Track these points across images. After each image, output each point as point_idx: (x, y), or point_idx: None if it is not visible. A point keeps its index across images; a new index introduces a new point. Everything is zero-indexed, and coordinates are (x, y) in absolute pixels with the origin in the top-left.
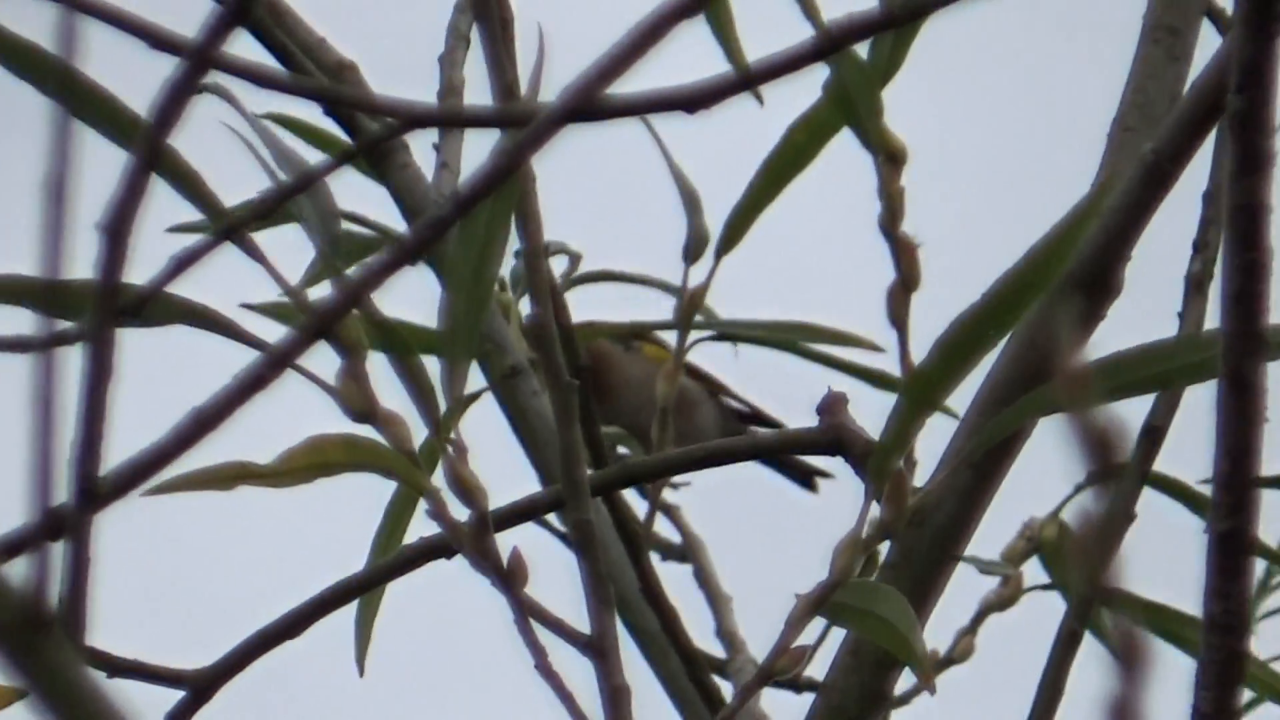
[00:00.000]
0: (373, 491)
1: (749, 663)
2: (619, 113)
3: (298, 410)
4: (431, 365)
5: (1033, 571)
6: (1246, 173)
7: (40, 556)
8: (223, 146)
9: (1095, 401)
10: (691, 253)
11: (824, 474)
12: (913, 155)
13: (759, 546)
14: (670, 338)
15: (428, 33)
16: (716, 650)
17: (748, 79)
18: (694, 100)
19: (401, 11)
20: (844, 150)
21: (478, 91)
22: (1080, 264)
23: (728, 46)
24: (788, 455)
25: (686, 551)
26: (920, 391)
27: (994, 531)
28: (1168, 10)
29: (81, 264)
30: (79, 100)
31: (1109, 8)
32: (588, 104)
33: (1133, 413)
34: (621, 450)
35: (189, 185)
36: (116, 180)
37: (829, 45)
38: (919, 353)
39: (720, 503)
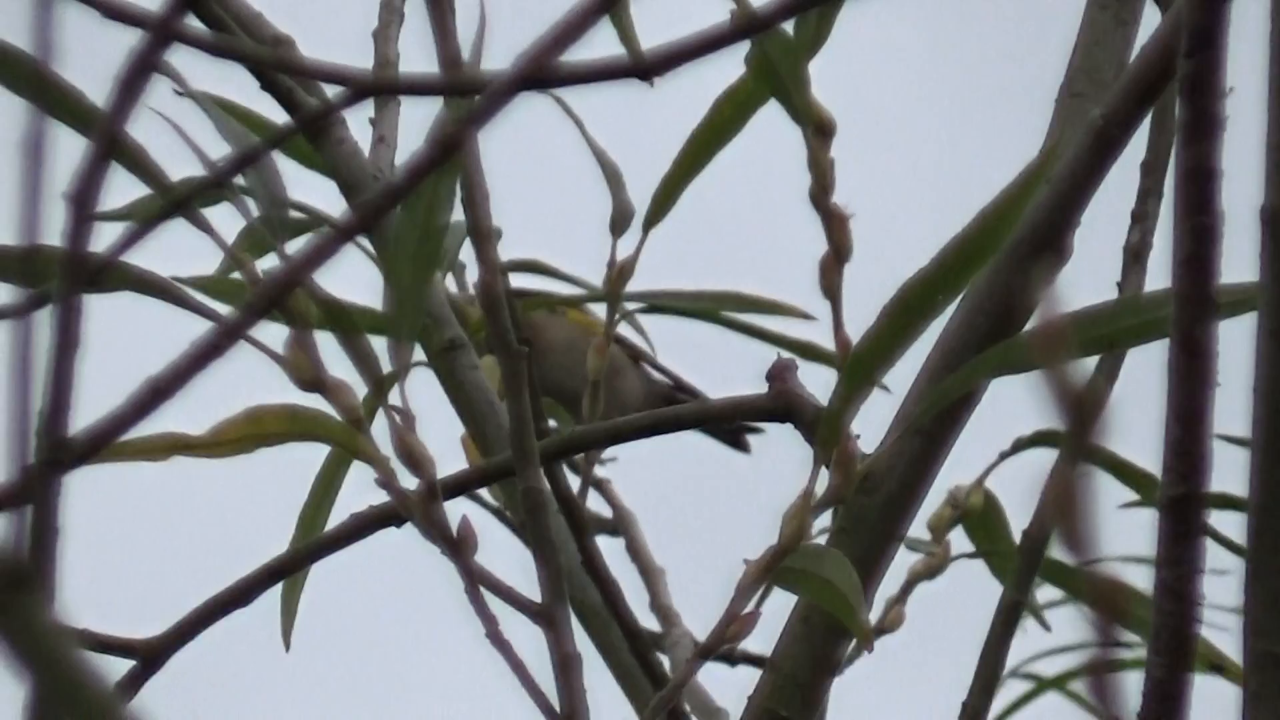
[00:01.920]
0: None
1: (685, 636)
2: (571, 80)
3: (241, 381)
4: (377, 344)
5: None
6: (1197, 138)
7: (20, 516)
8: (154, 122)
9: (1070, 358)
10: (617, 226)
11: (755, 430)
12: (852, 122)
13: (686, 518)
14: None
15: (361, 7)
16: (651, 624)
17: (701, 46)
18: (647, 68)
19: None
20: (775, 121)
21: (412, 66)
22: (1029, 229)
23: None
24: (733, 421)
25: (617, 525)
26: (868, 358)
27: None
28: None
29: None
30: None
31: None
32: (540, 71)
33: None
34: (551, 424)
35: (135, 161)
36: (79, 152)
37: (779, 12)
38: (852, 324)
39: (646, 474)
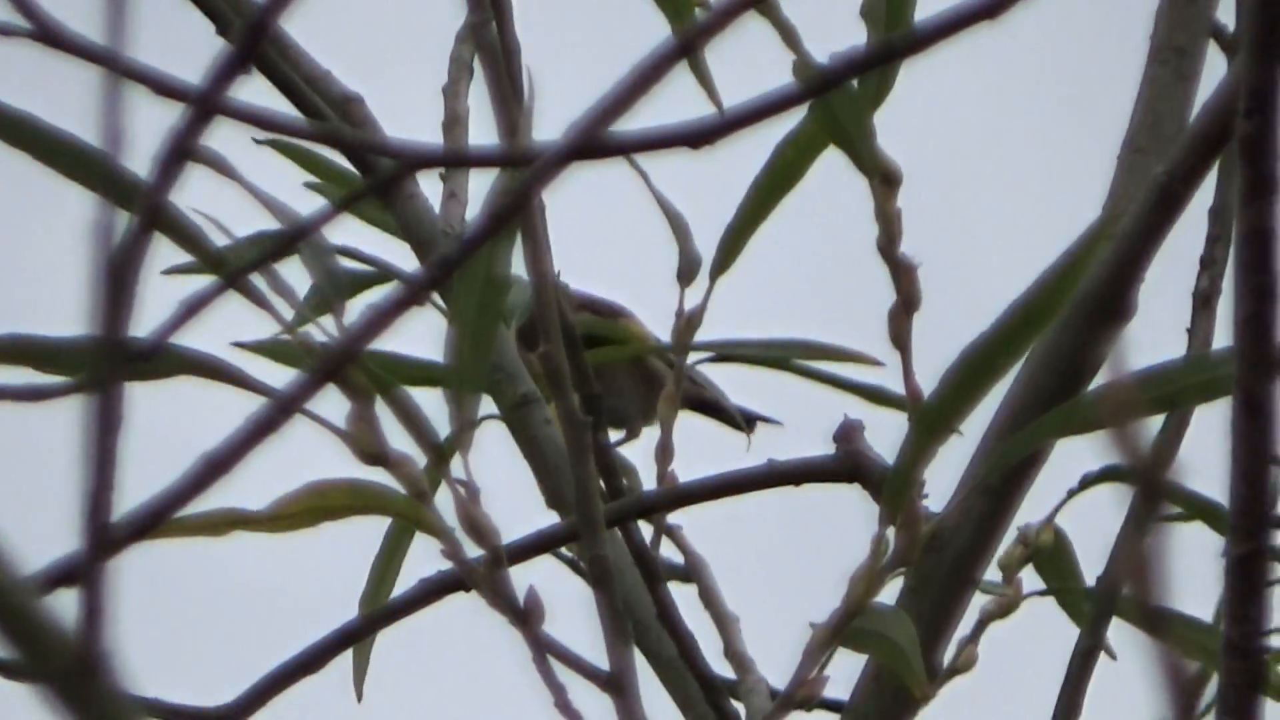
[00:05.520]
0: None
1: (760, 683)
2: (623, 150)
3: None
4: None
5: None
6: (1256, 197)
7: (89, 597)
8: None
9: (1139, 419)
10: (684, 276)
11: (765, 419)
12: (916, 173)
13: (757, 565)
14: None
15: (433, 62)
16: (725, 671)
17: (751, 115)
18: (698, 137)
19: (405, 41)
20: (839, 170)
21: (483, 120)
22: (1093, 287)
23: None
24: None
25: (690, 572)
26: (932, 419)
27: None
28: (1175, 31)
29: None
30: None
31: (1116, 29)
32: (591, 142)
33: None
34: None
35: (185, 237)
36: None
37: (829, 80)
38: (922, 373)
39: (718, 521)
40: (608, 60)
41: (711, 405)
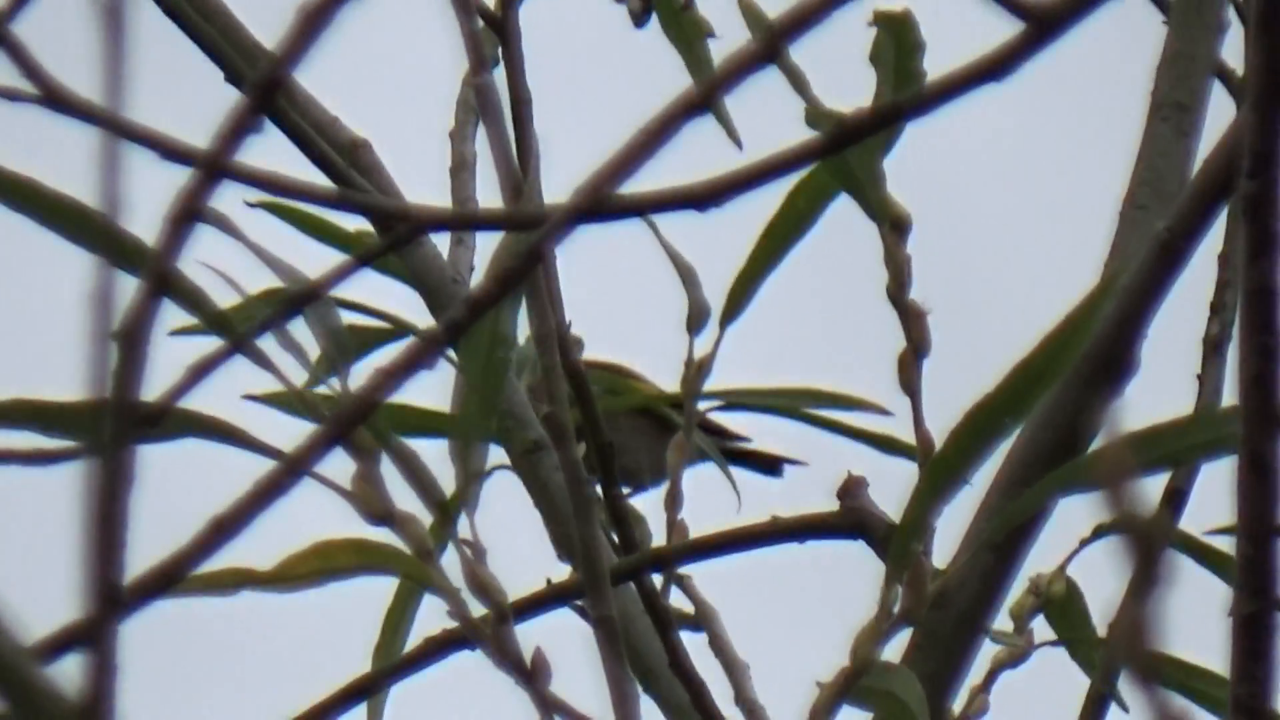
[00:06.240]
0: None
1: None
2: (629, 211)
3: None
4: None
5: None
6: (1260, 256)
7: (98, 657)
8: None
9: (1133, 480)
10: (693, 324)
11: (793, 461)
12: (923, 221)
13: (767, 612)
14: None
15: (440, 104)
16: (736, 718)
17: (758, 174)
18: (704, 197)
19: (412, 84)
20: (848, 216)
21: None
22: (1095, 344)
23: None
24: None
25: (700, 620)
26: (937, 478)
27: None
28: (1175, 87)
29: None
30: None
31: (1117, 85)
32: (597, 203)
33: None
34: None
35: (191, 298)
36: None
37: (838, 141)
38: (931, 420)
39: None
40: (621, 103)
41: (741, 451)
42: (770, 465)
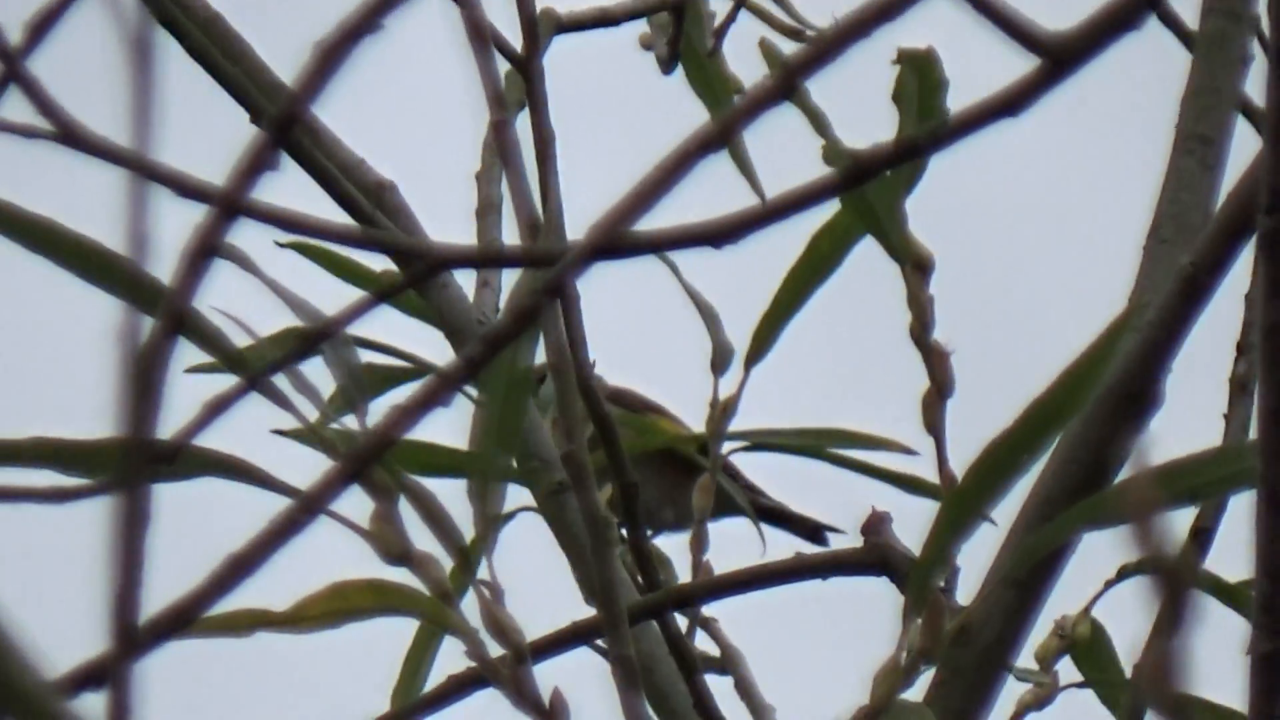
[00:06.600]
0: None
1: None
2: (645, 249)
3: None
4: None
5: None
6: (1278, 293)
7: (116, 696)
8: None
9: (1158, 514)
10: (717, 365)
11: (833, 529)
12: (945, 262)
13: (792, 655)
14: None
15: (467, 147)
16: None
17: (773, 211)
18: (720, 234)
19: (438, 125)
20: (871, 257)
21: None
22: (1120, 378)
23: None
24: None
25: (725, 663)
26: (956, 513)
27: None
28: (1199, 120)
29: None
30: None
31: (1140, 118)
32: (613, 241)
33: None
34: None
35: (207, 337)
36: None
37: (853, 177)
38: (956, 460)
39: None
40: (650, 146)
41: (779, 511)
42: (811, 532)
